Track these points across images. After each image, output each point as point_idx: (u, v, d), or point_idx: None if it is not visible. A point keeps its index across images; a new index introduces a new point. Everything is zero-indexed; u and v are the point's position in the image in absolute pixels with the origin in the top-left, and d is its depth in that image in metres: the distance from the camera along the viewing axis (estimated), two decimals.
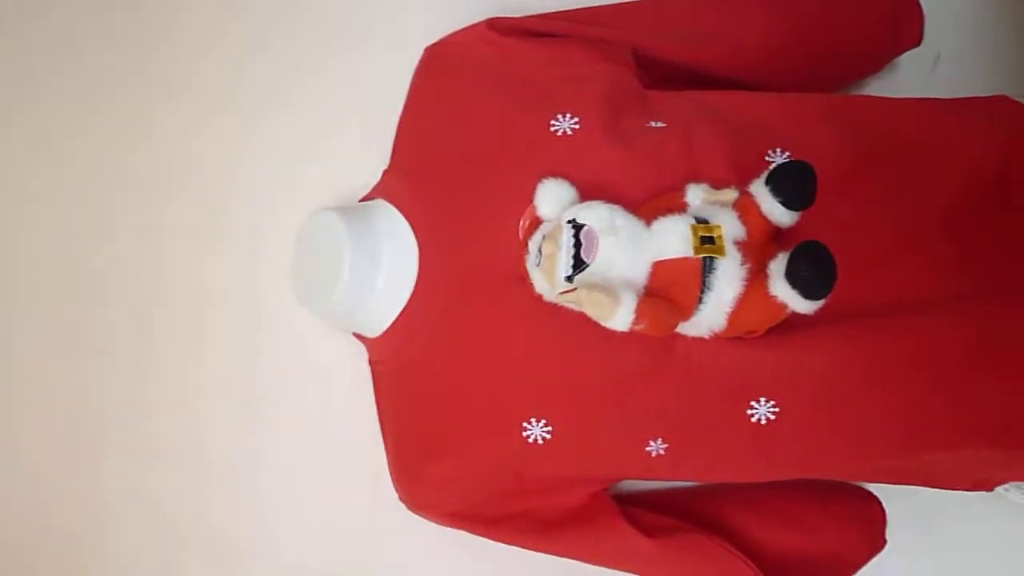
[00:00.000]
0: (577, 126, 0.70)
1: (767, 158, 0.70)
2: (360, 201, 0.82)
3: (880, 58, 0.90)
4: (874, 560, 0.83)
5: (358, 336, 0.80)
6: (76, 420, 0.87)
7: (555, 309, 0.64)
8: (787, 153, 0.70)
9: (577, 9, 0.83)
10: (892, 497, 0.86)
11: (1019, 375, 0.67)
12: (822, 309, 0.60)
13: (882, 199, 0.70)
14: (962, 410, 0.67)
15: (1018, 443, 0.68)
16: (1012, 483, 0.91)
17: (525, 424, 0.68)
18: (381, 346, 0.76)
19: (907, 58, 0.92)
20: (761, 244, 0.63)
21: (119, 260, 0.89)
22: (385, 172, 0.81)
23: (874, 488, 0.88)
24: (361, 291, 0.72)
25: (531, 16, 0.80)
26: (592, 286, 0.59)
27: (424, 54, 0.81)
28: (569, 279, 0.61)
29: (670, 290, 0.61)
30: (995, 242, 0.69)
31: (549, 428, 0.68)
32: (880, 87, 0.95)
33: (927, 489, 0.86)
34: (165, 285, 0.88)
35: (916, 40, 0.88)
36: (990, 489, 0.76)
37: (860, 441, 0.68)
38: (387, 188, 0.79)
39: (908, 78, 0.96)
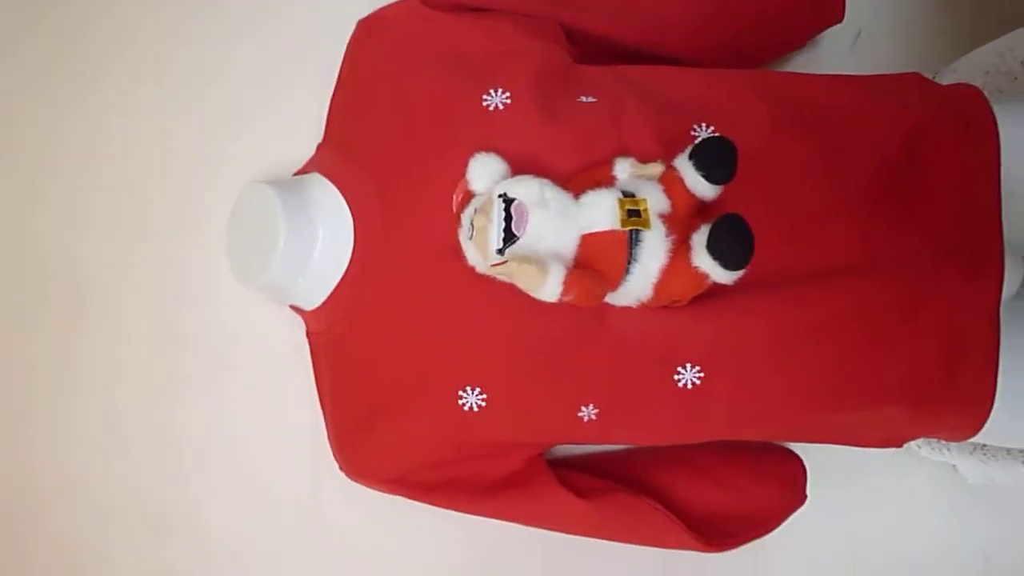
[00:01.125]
0: (509, 101, 0.71)
1: (692, 132, 0.72)
2: (294, 175, 0.82)
3: (803, 34, 0.93)
4: (795, 514, 0.88)
5: (295, 308, 0.80)
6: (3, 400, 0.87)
7: (488, 280, 0.66)
8: (712, 127, 0.72)
9: None
10: (812, 453, 0.91)
11: (918, 341, 0.71)
12: (744, 278, 0.63)
13: (805, 171, 0.73)
14: (871, 373, 0.71)
15: (924, 402, 0.72)
16: (923, 439, 0.97)
17: (460, 392, 0.70)
18: (318, 318, 0.77)
19: (829, 35, 0.96)
20: (686, 217, 0.65)
21: (49, 240, 0.88)
22: (319, 146, 0.82)
23: (794, 445, 0.92)
24: (296, 264, 0.73)
25: None
26: (522, 258, 0.61)
27: (357, 27, 0.81)
28: (500, 252, 0.63)
29: (598, 262, 0.63)
30: (908, 212, 0.73)
31: (484, 396, 0.70)
32: (803, 62, 0.98)
33: (842, 448, 0.92)
34: (96, 263, 0.88)
35: (839, 16, 0.91)
36: (899, 445, 0.81)
37: (777, 404, 0.72)
38: (321, 162, 0.79)
39: (830, 54, 0.99)
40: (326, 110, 0.82)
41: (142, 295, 0.88)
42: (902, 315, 0.71)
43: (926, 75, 0.85)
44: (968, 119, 0.75)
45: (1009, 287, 0.73)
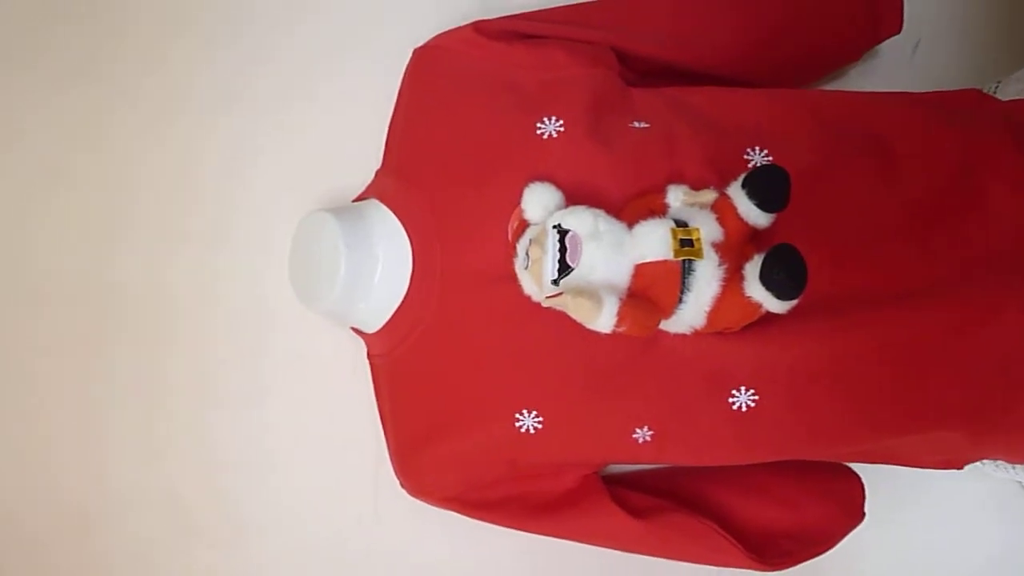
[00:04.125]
0: (562, 128, 0.72)
1: (746, 156, 0.72)
2: (353, 201, 0.84)
3: (860, 48, 0.92)
4: (853, 533, 0.87)
5: (356, 331, 0.83)
6: (88, 417, 0.91)
7: (543, 307, 0.67)
8: (765, 151, 0.72)
9: (559, 8, 0.84)
10: (870, 471, 0.90)
11: (973, 366, 0.70)
12: (798, 305, 0.63)
13: (858, 196, 0.72)
14: (925, 398, 0.70)
15: (981, 427, 0.71)
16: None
17: (517, 415, 0.72)
18: (379, 341, 0.80)
19: (888, 44, 0.94)
20: (738, 245, 0.66)
21: (130, 265, 0.92)
22: (377, 172, 0.84)
23: (851, 464, 0.91)
24: (358, 288, 0.75)
25: (515, 17, 0.82)
26: (577, 290, 0.62)
27: (413, 56, 0.83)
28: (555, 282, 0.64)
29: (651, 291, 0.64)
30: (963, 234, 0.72)
31: (540, 419, 0.72)
32: (860, 73, 0.97)
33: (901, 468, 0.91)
34: (173, 286, 0.92)
35: (896, 28, 0.90)
36: (960, 467, 0.80)
37: (832, 427, 0.72)
38: (380, 188, 0.82)
39: (889, 65, 0.98)
40: (383, 134, 0.84)
41: (219, 313, 0.92)
42: (958, 340, 0.70)
43: (990, 83, 0.84)
44: (1020, 128, 0.73)
45: None
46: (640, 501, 0.82)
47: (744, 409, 0.71)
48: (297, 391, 0.91)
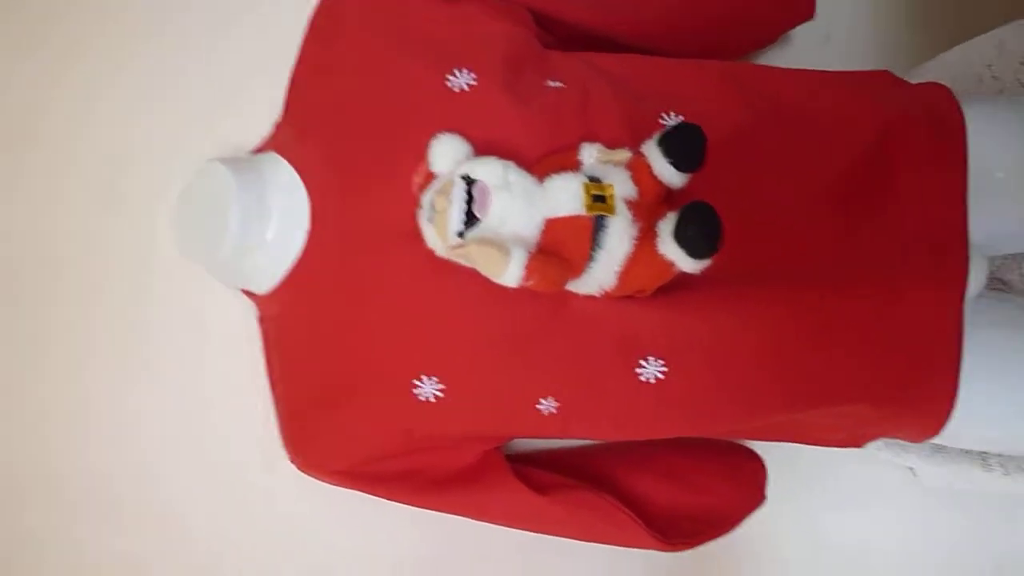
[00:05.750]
0: (475, 82, 0.69)
1: (661, 120, 0.71)
2: (251, 153, 0.79)
3: (775, 28, 0.93)
4: (762, 518, 0.87)
5: (247, 293, 0.77)
6: None
7: (448, 266, 0.64)
8: (680, 116, 0.71)
9: None
10: (771, 453, 0.90)
11: (882, 343, 0.70)
12: (710, 271, 0.61)
13: (774, 165, 0.72)
14: (838, 373, 0.70)
15: (886, 403, 0.72)
16: (883, 440, 0.97)
17: (416, 381, 0.68)
18: (271, 303, 0.74)
19: (801, 33, 0.95)
20: (652, 204, 0.64)
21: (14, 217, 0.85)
22: (277, 124, 0.78)
23: (756, 444, 0.91)
24: (250, 244, 0.70)
25: None
26: (483, 241, 0.59)
27: (319, 4, 0.79)
28: (461, 235, 0.61)
29: (561, 247, 0.61)
30: (876, 211, 0.72)
31: (441, 386, 0.68)
32: (774, 59, 0.98)
33: (805, 449, 0.91)
34: (60, 241, 0.85)
35: (809, 13, 0.91)
36: (861, 445, 0.80)
37: (744, 400, 0.71)
38: (278, 140, 0.77)
39: (801, 53, 0.99)
40: (286, 87, 0.79)
41: (108, 268, 0.86)
42: (867, 315, 0.70)
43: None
44: (938, 118, 0.74)
45: (974, 287, 0.72)
46: (543, 478, 0.79)
47: (652, 381, 0.69)
48: (183, 358, 0.85)
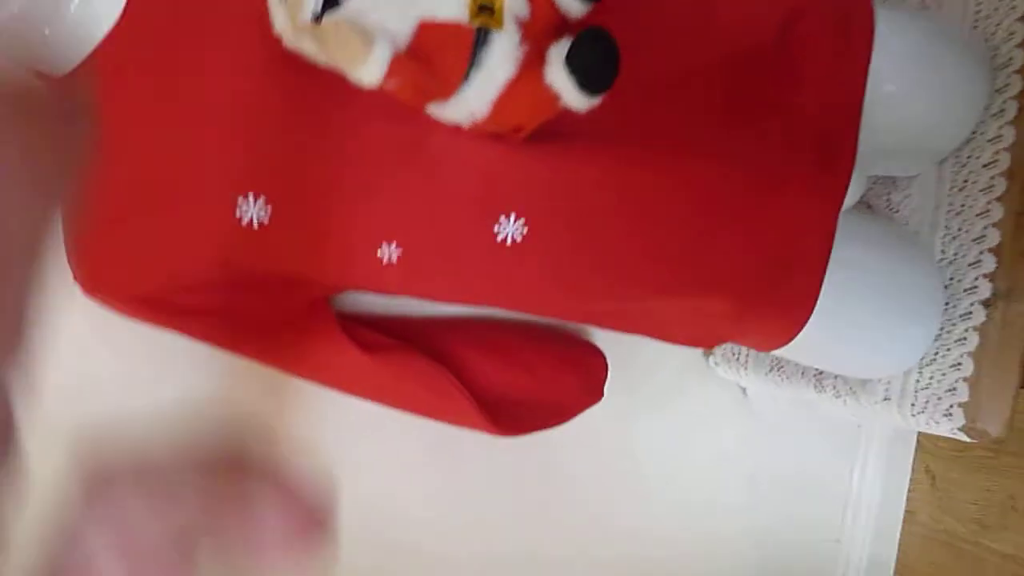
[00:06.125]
0: None
1: None
2: None
3: None
4: (587, 413, 0.83)
5: (41, 76, 0.63)
6: None
7: (297, 64, 0.53)
8: None
9: None
10: (611, 350, 0.87)
11: (757, 233, 0.66)
12: (589, 124, 0.55)
13: (676, 27, 0.66)
14: (707, 257, 0.66)
15: (750, 300, 0.68)
16: (722, 353, 0.96)
17: (240, 199, 0.57)
18: (69, 87, 0.61)
19: None
20: (543, 31, 0.55)
21: None
22: None
23: (600, 340, 0.87)
24: (46, 7, 0.56)
25: None
26: (342, 24, 0.49)
27: None
28: (317, 18, 0.50)
29: (435, 57, 0.52)
30: (771, 97, 0.68)
31: (267, 208, 0.58)
32: None
33: (645, 354, 0.88)
34: None
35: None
36: (708, 346, 0.77)
37: (599, 273, 0.65)
38: None
39: None
40: None
41: None
42: (743, 203, 0.66)
43: None
44: (848, 15, 0.70)
45: (850, 198, 0.70)
46: (373, 338, 0.71)
47: (508, 242, 0.62)
48: None
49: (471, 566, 0.90)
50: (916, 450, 1.15)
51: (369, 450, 0.83)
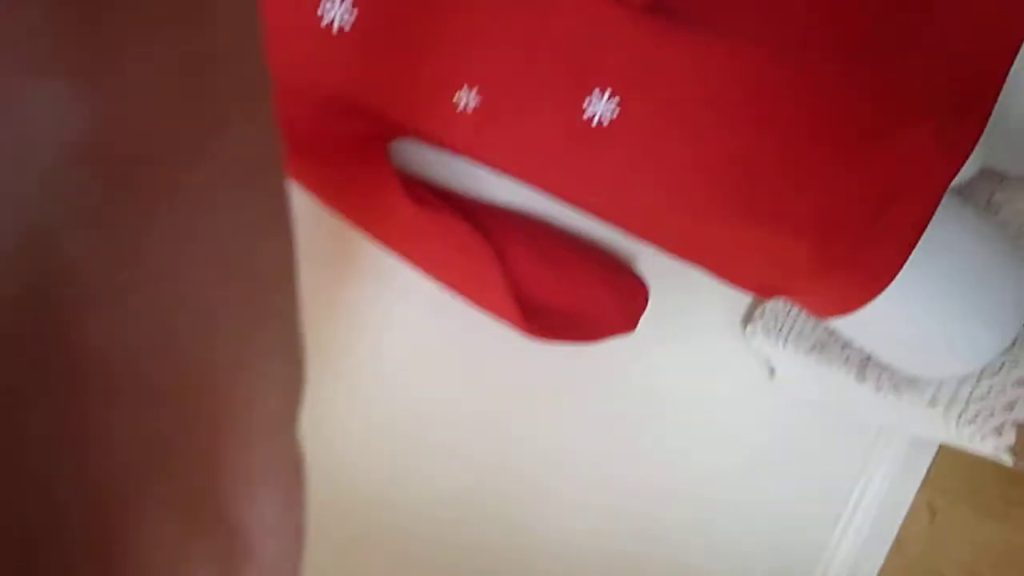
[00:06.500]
0: None
1: None
2: None
3: None
4: (616, 343, 0.79)
5: None
6: None
7: None
8: None
9: None
10: (657, 282, 0.82)
11: (862, 176, 0.60)
12: (723, 18, 0.52)
13: None
14: (803, 186, 0.60)
15: (834, 250, 0.62)
16: (763, 323, 0.91)
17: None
18: None
19: None
20: None
21: None
22: None
23: (652, 272, 0.83)
24: None
25: None
26: None
27: None
28: None
29: None
30: (913, 34, 0.61)
31: (353, 11, 0.53)
32: None
33: (688, 307, 0.84)
34: None
35: None
36: (768, 296, 0.72)
37: (691, 177, 0.59)
38: None
39: None
40: None
41: None
42: (864, 132, 0.60)
43: None
44: None
45: (967, 169, 0.64)
46: (427, 195, 0.66)
47: (595, 123, 0.57)
48: None
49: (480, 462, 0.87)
50: (923, 482, 1.11)
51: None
